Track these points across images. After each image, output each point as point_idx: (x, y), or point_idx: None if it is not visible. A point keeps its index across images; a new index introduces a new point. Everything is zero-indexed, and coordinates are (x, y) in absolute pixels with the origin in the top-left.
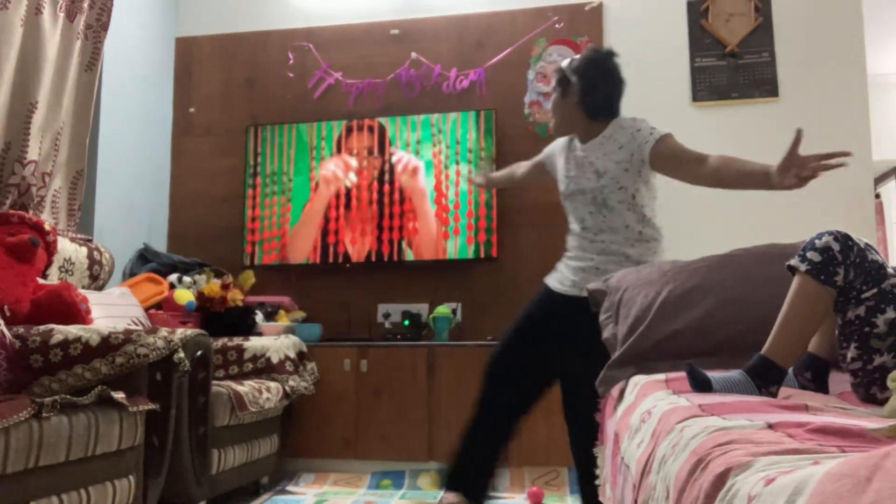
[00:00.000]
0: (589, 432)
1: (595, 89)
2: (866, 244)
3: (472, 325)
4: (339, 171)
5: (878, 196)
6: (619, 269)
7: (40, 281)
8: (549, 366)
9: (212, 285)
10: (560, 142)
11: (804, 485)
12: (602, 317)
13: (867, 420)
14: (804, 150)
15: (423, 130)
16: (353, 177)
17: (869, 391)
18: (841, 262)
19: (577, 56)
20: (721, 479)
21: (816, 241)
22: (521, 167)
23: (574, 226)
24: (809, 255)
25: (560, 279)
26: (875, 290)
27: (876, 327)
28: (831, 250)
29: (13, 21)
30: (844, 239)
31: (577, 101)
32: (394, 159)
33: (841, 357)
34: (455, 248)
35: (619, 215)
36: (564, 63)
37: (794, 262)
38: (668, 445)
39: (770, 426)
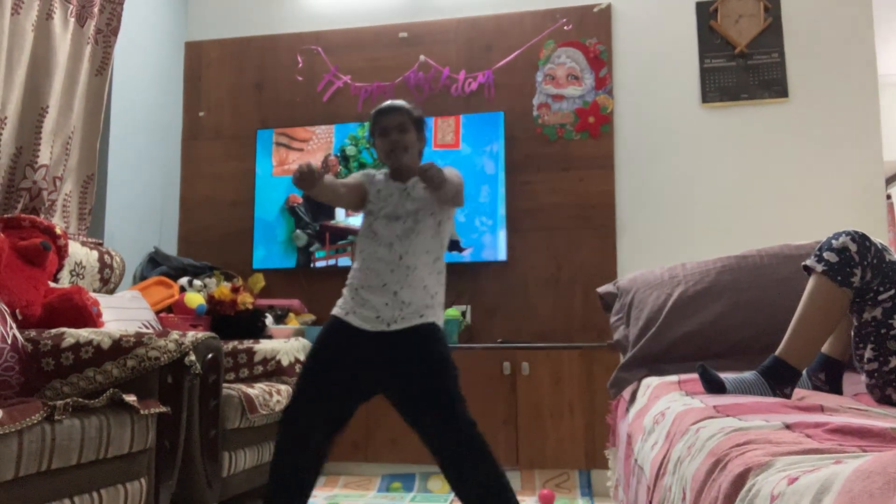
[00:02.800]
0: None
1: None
2: (883, 245)
3: (482, 327)
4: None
5: (889, 197)
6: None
7: (52, 284)
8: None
9: (222, 288)
10: (373, 173)
11: (830, 483)
12: (613, 319)
13: (884, 421)
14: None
15: (430, 133)
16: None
17: (885, 392)
18: (858, 263)
19: (408, 104)
20: (741, 480)
21: (833, 242)
22: (343, 185)
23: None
24: (826, 255)
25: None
26: (892, 292)
27: (892, 329)
28: (848, 251)
29: (24, 26)
30: (862, 239)
31: (422, 146)
32: None
33: (857, 358)
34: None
35: (424, 242)
36: (408, 105)
37: (810, 262)
38: (683, 446)
39: (788, 426)
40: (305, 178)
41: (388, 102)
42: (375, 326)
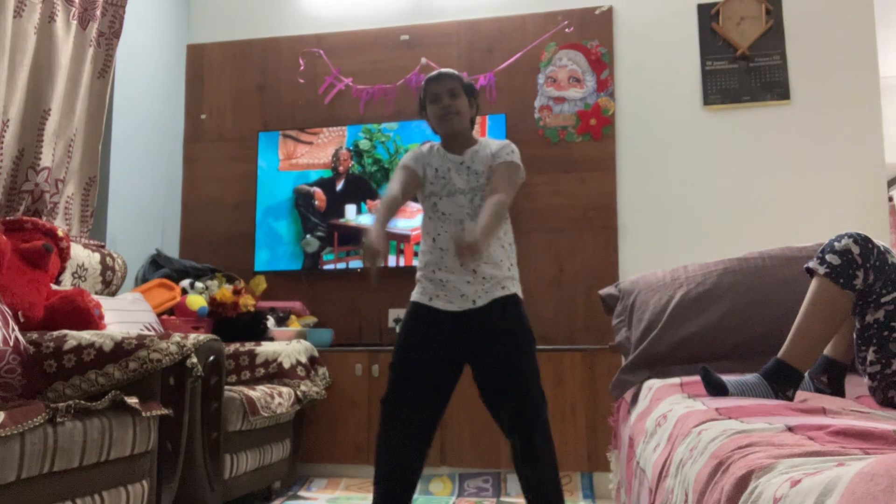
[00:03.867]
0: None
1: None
2: (885, 247)
3: None
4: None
5: (891, 199)
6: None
7: (54, 287)
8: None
9: (224, 291)
10: (418, 153)
11: (833, 485)
12: (614, 321)
13: (887, 423)
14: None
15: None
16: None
17: (887, 395)
18: (861, 266)
19: (457, 73)
20: (744, 482)
21: (836, 244)
22: (396, 190)
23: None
24: (828, 257)
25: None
26: (895, 294)
27: (895, 331)
28: (851, 253)
29: (27, 29)
30: (864, 241)
31: (474, 114)
32: None
33: (859, 360)
34: None
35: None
36: (458, 73)
37: (812, 264)
38: (685, 449)
39: (790, 429)
40: (372, 256)
41: (439, 70)
42: (462, 305)
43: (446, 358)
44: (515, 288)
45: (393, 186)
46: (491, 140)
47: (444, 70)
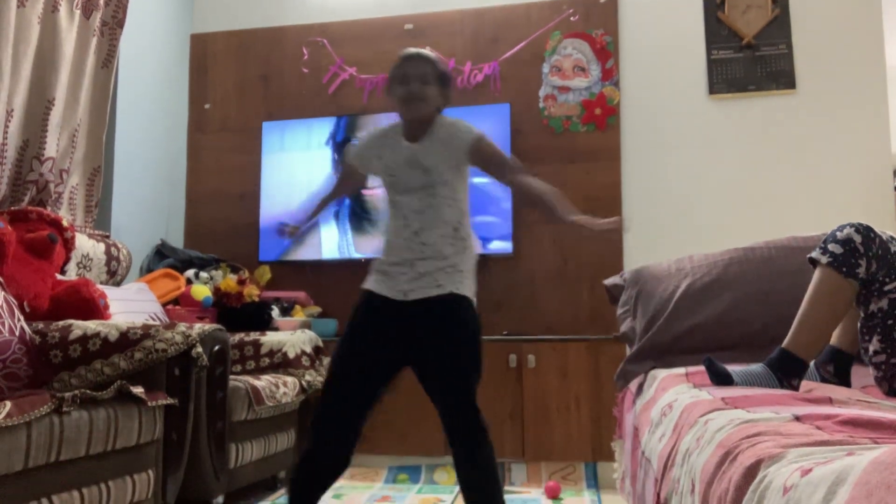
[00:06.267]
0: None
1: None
2: (889, 236)
3: (488, 320)
4: None
5: None
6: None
7: (59, 277)
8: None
9: (228, 281)
10: (373, 137)
11: (846, 474)
12: (619, 311)
13: (894, 413)
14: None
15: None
16: None
17: (893, 385)
18: (863, 255)
19: (437, 57)
20: (752, 471)
21: (838, 233)
22: (338, 185)
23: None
24: (831, 247)
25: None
26: None
27: None
28: (853, 242)
29: (30, 18)
30: (866, 231)
31: (444, 104)
32: None
33: (863, 350)
34: None
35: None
36: (435, 57)
37: (815, 254)
38: (692, 438)
39: (797, 418)
40: (285, 233)
41: (416, 49)
42: (395, 296)
43: (382, 346)
44: (457, 287)
45: (330, 186)
46: (445, 121)
47: (421, 51)
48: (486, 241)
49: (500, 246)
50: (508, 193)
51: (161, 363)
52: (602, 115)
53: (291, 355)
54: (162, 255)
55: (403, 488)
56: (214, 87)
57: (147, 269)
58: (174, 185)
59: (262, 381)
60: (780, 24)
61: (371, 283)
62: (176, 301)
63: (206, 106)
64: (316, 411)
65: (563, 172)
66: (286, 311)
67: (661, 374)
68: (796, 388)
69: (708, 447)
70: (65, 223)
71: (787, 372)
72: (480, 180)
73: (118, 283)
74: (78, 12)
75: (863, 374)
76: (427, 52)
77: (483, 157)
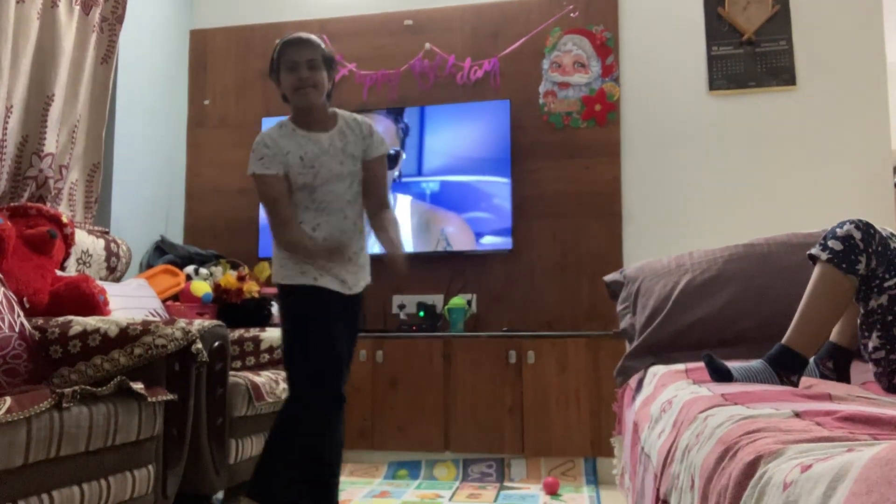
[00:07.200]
0: None
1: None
2: (889, 233)
3: (488, 316)
4: None
5: None
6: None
7: (58, 273)
8: None
9: (228, 277)
10: (273, 139)
11: (846, 470)
12: (619, 307)
13: (893, 409)
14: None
15: (438, 121)
16: None
17: (892, 381)
18: (863, 251)
19: (319, 40)
20: (752, 467)
21: (838, 230)
22: (286, 200)
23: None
24: (831, 243)
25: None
26: None
27: None
28: (853, 238)
29: (30, 14)
30: (866, 227)
31: (331, 87)
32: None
33: (863, 346)
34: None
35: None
36: (319, 41)
37: (815, 250)
38: (691, 434)
39: (797, 415)
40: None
41: (297, 34)
42: (343, 290)
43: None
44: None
45: (285, 209)
46: (346, 114)
47: (303, 35)
48: (484, 236)
49: (500, 241)
50: (508, 190)
51: (161, 359)
52: (602, 112)
53: None
54: (161, 251)
55: (402, 484)
56: (214, 83)
57: (147, 265)
58: (174, 181)
59: (262, 377)
60: (780, 20)
61: (307, 279)
62: (176, 297)
63: (206, 102)
64: (316, 367)
65: (563, 168)
66: None
67: (660, 370)
68: (796, 385)
69: (707, 443)
70: (64, 219)
71: (786, 368)
72: (479, 179)
73: (118, 279)
74: (77, 8)
75: (862, 371)
76: (311, 35)
77: (376, 172)
